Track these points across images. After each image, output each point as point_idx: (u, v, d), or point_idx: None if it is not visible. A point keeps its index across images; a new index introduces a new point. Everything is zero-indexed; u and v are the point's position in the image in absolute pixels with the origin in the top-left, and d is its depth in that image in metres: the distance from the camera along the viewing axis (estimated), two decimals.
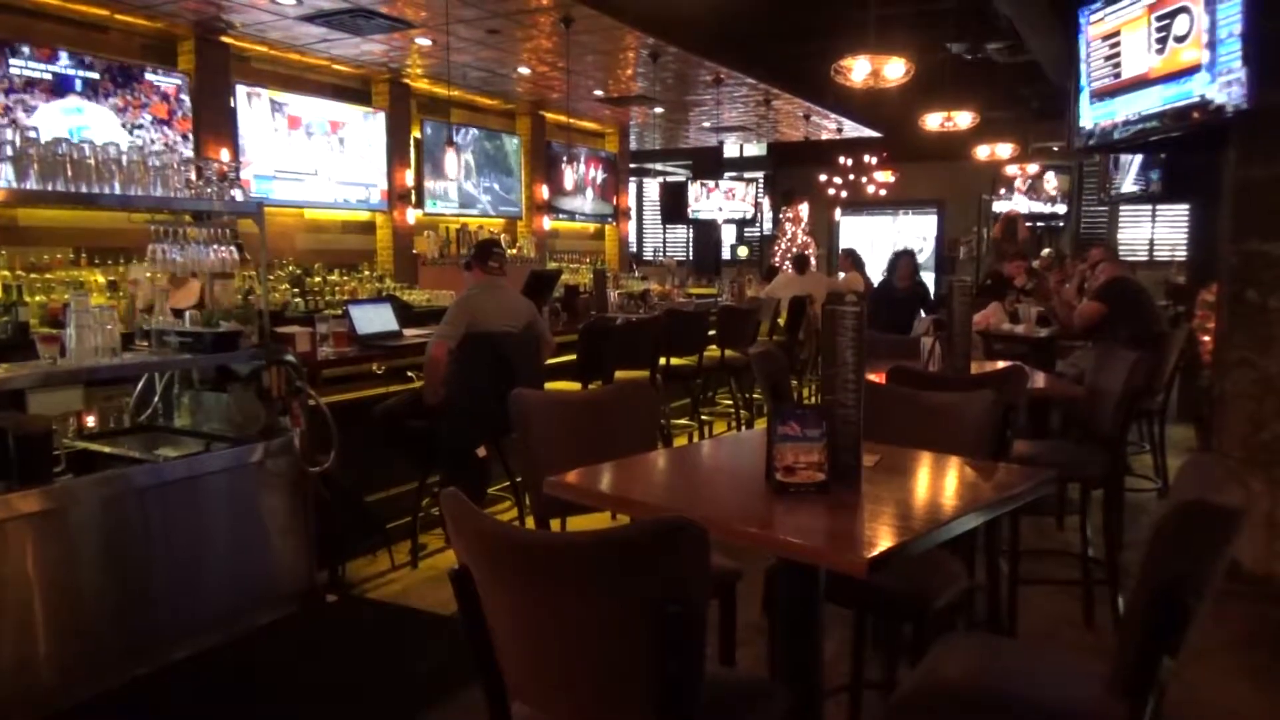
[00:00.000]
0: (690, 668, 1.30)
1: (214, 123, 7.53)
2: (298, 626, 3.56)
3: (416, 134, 9.37)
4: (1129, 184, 9.97)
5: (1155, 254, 13.27)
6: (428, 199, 9.46)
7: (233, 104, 7.74)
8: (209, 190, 3.51)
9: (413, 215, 9.16)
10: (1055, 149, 13.72)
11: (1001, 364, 4.57)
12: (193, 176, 3.47)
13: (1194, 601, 1.34)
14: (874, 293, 8.33)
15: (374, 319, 4.82)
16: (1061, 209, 13.67)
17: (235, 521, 3.43)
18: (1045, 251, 11.66)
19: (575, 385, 5.38)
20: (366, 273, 8.54)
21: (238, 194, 3.69)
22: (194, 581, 3.28)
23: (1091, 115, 4.80)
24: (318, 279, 7.92)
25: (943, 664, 1.74)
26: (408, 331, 4.99)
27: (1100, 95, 4.67)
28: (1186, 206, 11.72)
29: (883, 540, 1.52)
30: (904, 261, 7.92)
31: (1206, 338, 6.58)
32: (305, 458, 3.67)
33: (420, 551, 4.29)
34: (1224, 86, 3.75)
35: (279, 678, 3.19)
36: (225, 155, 7.43)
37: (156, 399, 3.77)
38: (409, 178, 9.12)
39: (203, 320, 3.50)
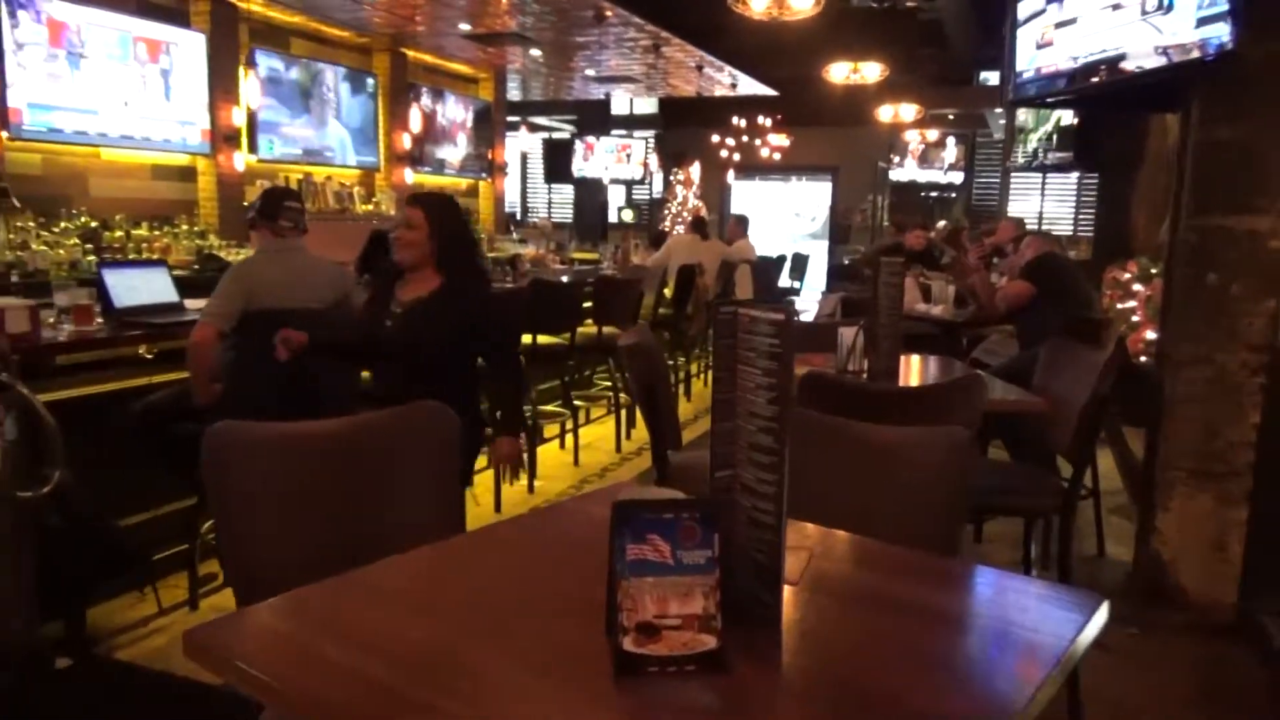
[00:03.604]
0: None
1: None
2: (6, 709, 2.59)
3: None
4: (1025, 155, 9.53)
5: (1044, 227, 13.06)
6: (263, 142, 8.14)
7: None
8: None
9: (242, 161, 7.83)
10: (951, 116, 13.33)
11: (923, 358, 3.84)
12: None
13: None
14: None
15: (141, 287, 3.72)
16: (957, 178, 13.29)
17: None
18: (941, 224, 11.24)
19: None
20: (185, 227, 7.23)
21: None
22: None
23: (1031, 60, 4.09)
24: (119, 233, 6.60)
25: None
26: (195, 304, 3.92)
27: (1042, 40, 3.96)
28: (1075, 178, 11.49)
29: None
30: None
31: (1123, 326, 6.09)
32: (20, 476, 2.65)
33: (202, 587, 3.34)
34: (1196, 30, 3.07)
35: None
36: None
37: None
38: (237, 116, 7.77)
39: None
